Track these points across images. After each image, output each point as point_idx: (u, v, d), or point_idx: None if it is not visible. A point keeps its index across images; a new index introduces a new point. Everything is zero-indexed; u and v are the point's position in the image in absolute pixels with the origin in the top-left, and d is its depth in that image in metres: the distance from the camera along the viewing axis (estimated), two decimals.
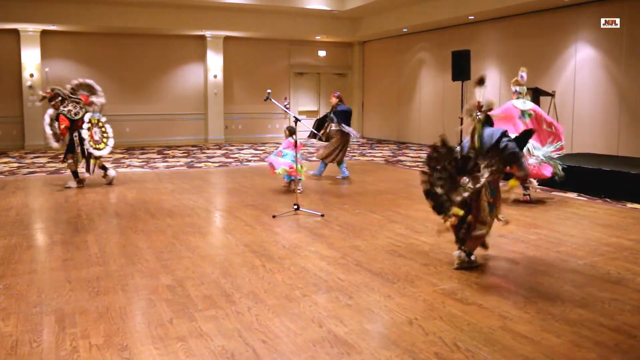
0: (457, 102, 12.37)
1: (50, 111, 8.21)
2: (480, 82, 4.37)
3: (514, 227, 5.34)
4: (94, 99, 8.57)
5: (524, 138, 4.78)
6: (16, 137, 14.17)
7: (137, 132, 15.51)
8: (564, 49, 10.96)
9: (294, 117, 6.92)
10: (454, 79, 11.28)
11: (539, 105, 9.76)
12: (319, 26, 15.84)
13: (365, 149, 14.46)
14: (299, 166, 7.62)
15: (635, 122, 9.76)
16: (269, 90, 6.90)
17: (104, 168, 8.57)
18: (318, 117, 9.46)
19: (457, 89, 12.19)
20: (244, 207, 6.89)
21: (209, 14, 14.49)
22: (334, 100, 9.19)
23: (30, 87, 8.42)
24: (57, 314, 3.45)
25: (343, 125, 8.83)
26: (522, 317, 3.39)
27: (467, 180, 4.07)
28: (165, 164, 11.32)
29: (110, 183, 8.52)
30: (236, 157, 12.46)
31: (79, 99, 8.35)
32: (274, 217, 6.22)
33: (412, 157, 12.55)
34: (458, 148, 4.29)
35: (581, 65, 10.65)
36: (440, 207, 4.19)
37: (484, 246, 4.53)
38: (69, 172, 8.48)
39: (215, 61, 15.88)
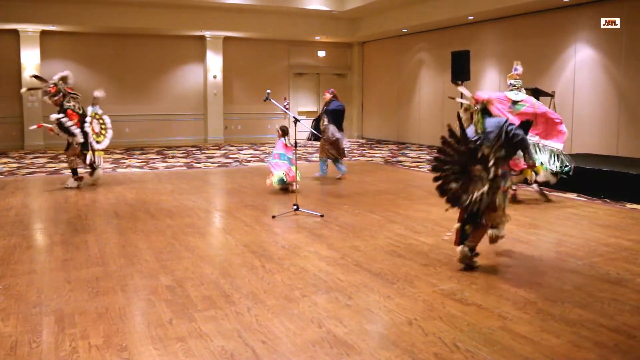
0: (457, 103, 12.35)
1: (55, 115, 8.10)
2: (457, 85, 4.75)
3: (513, 227, 5.34)
4: (97, 93, 8.63)
5: (523, 128, 4.80)
6: (16, 138, 14.17)
7: (137, 132, 15.50)
8: (564, 50, 10.96)
9: (294, 117, 6.92)
10: (454, 79, 11.28)
11: None
12: (319, 26, 15.85)
13: (364, 150, 14.46)
14: (293, 167, 7.68)
15: (635, 123, 9.76)
16: (268, 91, 6.91)
17: (92, 167, 8.43)
18: (315, 118, 9.42)
19: (457, 90, 12.18)
20: (244, 208, 6.89)
21: (209, 14, 14.49)
22: (327, 97, 9.16)
23: (37, 77, 8.39)
24: (56, 314, 3.45)
25: (329, 127, 8.69)
26: (522, 318, 3.39)
27: (481, 169, 4.13)
28: (165, 164, 11.32)
29: (94, 183, 8.44)
30: (236, 158, 12.46)
31: (77, 94, 8.36)
32: (273, 217, 6.22)
33: (411, 157, 12.55)
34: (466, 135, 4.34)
35: (581, 66, 10.65)
36: (455, 200, 4.23)
37: (495, 239, 4.55)
38: (67, 171, 8.49)
39: (214, 61, 15.88)
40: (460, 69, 11.02)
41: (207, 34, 15.49)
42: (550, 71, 11.21)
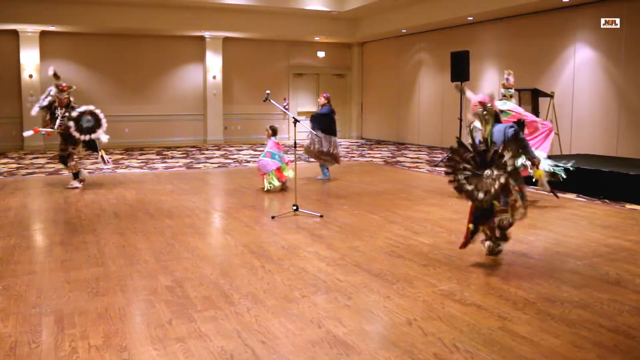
0: (456, 103, 12.37)
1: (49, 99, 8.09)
2: (462, 91, 4.93)
3: (513, 227, 5.33)
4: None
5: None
6: (15, 138, 14.16)
7: (136, 132, 15.50)
8: (563, 50, 10.97)
9: (293, 117, 6.92)
10: (453, 79, 11.29)
11: (537, 106, 9.79)
12: (318, 27, 15.85)
13: (364, 150, 14.46)
14: (284, 165, 7.84)
15: (634, 123, 9.77)
16: (268, 91, 6.91)
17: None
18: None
19: (456, 90, 12.19)
20: (243, 208, 6.88)
21: (208, 14, 14.50)
22: (322, 101, 9.16)
23: (55, 74, 8.38)
24: (56, 314, 3.44)
25: (311, 130, 8.57)
26: (521, 318, 3.40)
27: (490, 172, 4.28)
28: (165, 164, 11.32)
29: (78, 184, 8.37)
30: (235, 158, 12.45)
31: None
32: (273, 217, 6.22)
33: (411, 157, 12.55)
34: (474, 142, 4.49)
35: (580, 66, 10.65)
36: (472, 197, 4.40)
37: (505, 238, 4.65)
38: (67, 172, 8.50)
39: (214, 62, 15.88)
40: (460, 70, 11.03)
41: (207, 34, 15.49)
42: (550, 72, 11.22)
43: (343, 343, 3.06)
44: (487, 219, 4.52)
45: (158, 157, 12.70)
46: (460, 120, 11.05)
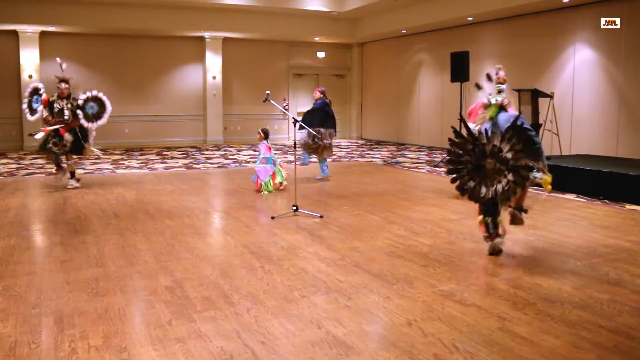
0: (456, 103, 12.38)
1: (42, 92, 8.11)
2: (478, 87, 5.05)
3: (512, 228, 5.33)
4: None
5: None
6: (15, 138, 14.16)
7: (136, 133, 15.51)
8: (563, 50, 10.97)
9: (293, 118, 6.93)
10: (453, 80, 11.29)
11: (537, 106, 9.79)
12: (318, 27, 15.85)
13: (364, 150, 14.46)
14: (277, 168, 7.91)
15: (634, 123, 9.77)
16: (267, 92, 6.91)
17: (60, 166, 8.28)
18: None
19: (456, 90, 12.20)
20: (243, 208, 6.88)
21: (208, 15, 14.50)
22: (317, 95, 9.16)
23: (60, 65, 8.39)
24: (55, 315, 3.44)
25: (309, 130, 8.52)
26: (521, 319, 3.39)
27: (492, 162, 4.32)
28: (164, 165, 11.32)
29: (64, 185, 8.30)
30: (235, 159, 12.45)
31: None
32: (272, 218, 6.22)
33: (411, 158, 12.55)
34: (476, 131, 4.55)
35: (580, 67, 10.66)
36: (476, 196, 4.47)
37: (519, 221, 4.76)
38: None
39: (214, 62, 15.88)
40: (460, 70, 11.03)
41: (207, 34, 15.49)
42: (550, 72, 11.22)
43: (343, 343, 3.06)
44: (496, 209, 4.59)
45: (158, 157, 12.70)
46: (460, 120, 11.04)
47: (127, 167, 11.01)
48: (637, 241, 5.27)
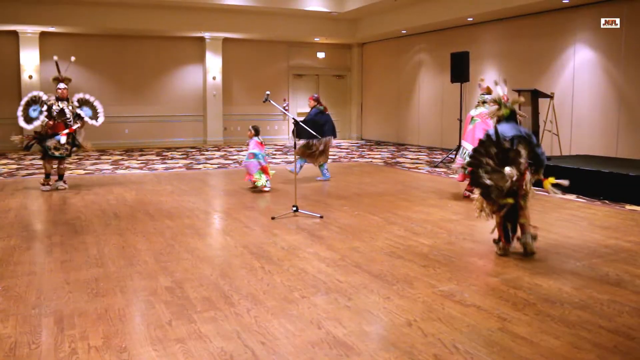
0: (456, 104, 12.39)
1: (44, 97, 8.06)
2: (496, 83, 5.20)
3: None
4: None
5: None
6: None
7: (136, 133, 15.51)
8: (563, 51, 10.98)
9: (293, 118, 6.93)
10: (453, 80, 11.30)
11: (537, 107, 9.81)
12: (318, 28, 15.86)
13: (364, 151, 14.46)
14: (267, 165, 7.95)
15: (634, 124, 9.77)
16: (268, 92, 6.91)
17: (49, 176, 8.23)
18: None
19: (456, 91, 12.21)
20: (243, 209, 6.88)
21: (208, 15, 14.51)
22: (310, 104, 9.07)
23: (57, 62, 8.39)
24: (55, 315, 3.44)
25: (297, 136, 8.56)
26: (521, 319, 3.39)
27: (510, 170, 4.46)
28: (164, 165, 11.32)
29: (55, 187, 8.23)
30: (235, 159, 12.45)
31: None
32: (273, 218, 6.22)
33: (411, 158, 12.55)
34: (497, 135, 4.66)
35: (580, 67, 10.66)
36: (488, 194, 4.60)
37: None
38: (66, 173, 8.51)
39: (214, 63, 15.89)
40: (460, 70, 11.04)
41: (207, 35, 15.50)
42: (550, 72, 11.22)
43: (343, 344, 3.06)
44: (513, 215, 4.69)
45: (158, 157, 12.70)
46: (460, 120, 11.05)
47: (127, 167, 11.01)
48: (637, 241, 5.27)
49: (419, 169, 10.70)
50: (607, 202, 7.26)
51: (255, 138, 8.08)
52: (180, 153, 13.69)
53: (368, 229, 5.76)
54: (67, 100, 8.13)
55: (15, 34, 13.98)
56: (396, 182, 9.10)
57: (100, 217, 6.39)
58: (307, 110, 9.45)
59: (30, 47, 14.07)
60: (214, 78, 15.90)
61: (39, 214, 6.69)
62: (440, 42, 14.38)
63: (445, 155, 11.99)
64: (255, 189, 7.97)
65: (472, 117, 7.41)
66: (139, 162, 11.90)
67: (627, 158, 9.26)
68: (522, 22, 11.93)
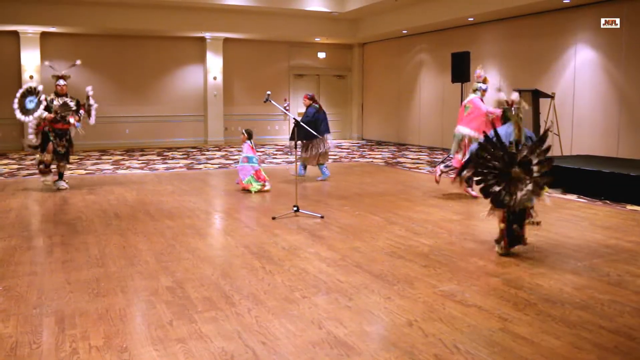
0: (457, 104, 12.37)
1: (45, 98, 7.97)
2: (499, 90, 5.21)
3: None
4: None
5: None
6: (16, 139, 14.17)
7: (137, 133, 15.52)
8: (564, 51, 10.97)
9: (294, 118, 6.93)
10: (454, 80, 11.29)
11: (538, 107, 9.81)
12: (319, 28, 15.86)
13: (364, 151, 14.46)
14: (261, 168, 7.98)
15: (635, 124, 9.76)
16: (268, 92, 6.91)
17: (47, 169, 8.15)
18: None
19: (457, 91, 12.20)
20: (244, 209, 6.89)
21: (209, 15, 14.51)
22: (305, 102, 9.03)
23: (51, 67, 8.36)
24: (56, 315, 3.45)
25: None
26: (522, 319, 3.39)
27: (519, 171, 4.46)
28: (165, 165, 11.32)
29: (57, 187, 8.20)
30: (236, 159, 12.45)
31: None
32: (273, 218, 6.22)
33: (411, 158, 12.55)
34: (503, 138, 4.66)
35: (581, 67, 10.66)
36: (499, 202, 4.57)
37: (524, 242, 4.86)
38: (68, 173, 8.49)
39: (215, 63, 15.89)
40: (461, 71, 11.03)
41: (207, 35, 15.50)
42: (551, 72, 11.22)
43: (344, 344, 3.06)
44: (520, 221, 4.71)
45: (159, 157, 12.71)
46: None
47: (128, 167, 11.02)
48: (638, 242, 5.27)
49: (420, 169, 10.69)
50: (608, 202, 7.25)
51: (248, 142, 8.09)
52: (181, 153, 13.69)
53: (369, 229, 5.76)
54: (66, 96, 8.11)
55: (16, 34, 13.99)
56: (397, 182, 9.10)
57: (101, 217, 6.40)
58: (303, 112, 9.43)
59: (31, 47, 14.07)
60: (214, 78, 15.90)
61: (40, 214, 6.70)
62: (440, 42, 14.38)
63: (445, 156, 11.97)
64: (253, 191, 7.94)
65: (465, 105, 7.57)
66: (140, 162, 11.91)
67: (628, 158, 9.25)
68: (522, 22, 11.93)
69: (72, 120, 7.90)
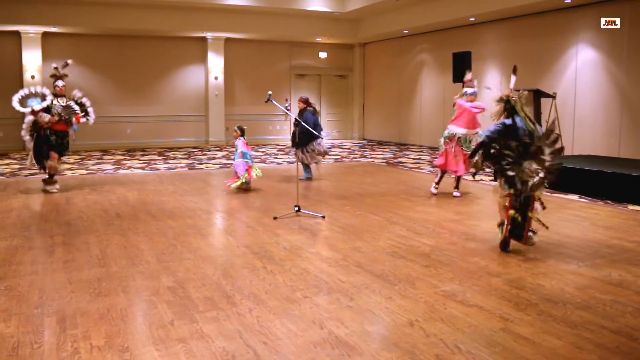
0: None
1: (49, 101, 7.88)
2: (514, 70, 5.27)
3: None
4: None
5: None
6: (17, 139, 14.12)
7: (138, 133, 15.53)
8: (565, 51, 10.96)
9: (295, 118, 6.93)
10: (455, 80, 11.28)
11: (539, 107, 9.80)
12: (320, 28, 15.86)
13: (365, 151, 14.46)
14: (253, 164, 8.02)
15: (637, 124, 9.75)
16: (269, 92, 6.91)
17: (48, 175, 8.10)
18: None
19: (458, 91, 12.17)
20: (245, 209, 6.89)
21: (210, 15, 14.51)
22: (300, 105, 8.94)
23: (56, 68, 8.34)
24: (58, 315, 3.45)
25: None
26: (523, 319, 3.39)
27: (529, 164, 4.60)
28: (166, 165, 11.33)
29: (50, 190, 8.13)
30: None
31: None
32: (275, 218, 6.22)
33: (413, 158, 12.55)
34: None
35: (582, 67, 10.64)
36: (512, 184, 4.69)
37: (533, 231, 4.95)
38: (69, 172, 8.47)
39: (216, 63, 15.90)
40: (462, 70, 11.00)
41: (209, 35, 15.51)
42: (552, 72, 11.21)
43: (345, 344, 3.06)
44: (527, 205, 4.76)
45: (160, 157, 12.71)
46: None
47: (129, 167, 11.02)
48: (639, 242, 5.26)
49: (421, 169, 10.69)
50: (609, 202, 7.25)
51: (242, 138, 8.12)
52: (182, 153, 13.70)
53: (370, 229, 5.75)
54: (65, 96, 8.09)
55: (17, 34, 13.99)
56: (398, 182, 9.10)
57: (102, 217, 6.40)
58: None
59: (33, 47, 14.08)
60: (216, 78, 15.91)
61: (41, 214, 6.70)
62: (442, 42, 14.37)
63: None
64: (239, 189, 7.95)
65: (454, 109, 7.78)
66: (141, 162, 11.91)
67: (629, 158, 9.24)
68: (524, 22, 11.91)
69: (80, 120, 7.92)
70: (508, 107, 4.96)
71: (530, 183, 4.58)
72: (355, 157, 12.93)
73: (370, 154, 13.58)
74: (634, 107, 9.79)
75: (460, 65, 11.05)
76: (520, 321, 3.36)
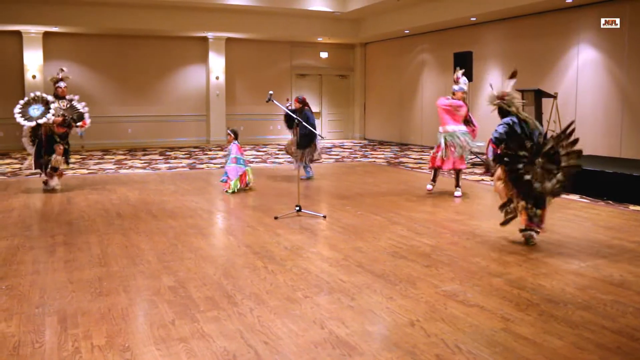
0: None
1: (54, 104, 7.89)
2: (513, 75, 5.26)
3: (514, 228, 5.34)
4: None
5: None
6: (19, 139, 14.14)
7: (139, 133, 15.54)
8: (567, 51, 10.95)
9: (296, 118, 6.93)
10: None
11: (541, 107, 9.79)
12: (321, 28, 15.86)
13: (367, 150, 14.46)
14: (248, 169, 8.00)
15: (638, 124, 9.74)
16: (270, 92, 6.91)
17: (54, 170, 8.04)
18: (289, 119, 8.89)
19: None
20: (246, 209, 6.89)
21: (211, 15, 14.52)
22: (297, 105, 8.89)
23: (61, 69, 8.34)
24: (59, 314, 3.45)
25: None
26: (524, 319, 3.39)
27: (542, 162, 4.70)
28: (168, 165, 11.33)
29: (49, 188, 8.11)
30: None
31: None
32: (276, 218, 6.22)
33: (414, 158, 12.54)
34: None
35: (583, 67, 10.64)
36: (529, 191, 4.79)
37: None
38: (70, 172, 8.48)
39: (217, 63, 15.90)
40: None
41: (210, 35, 15.51)
42: (553, 72, 11.20)
43: (346, 344, 3.06)
44: (541, 205, 4.87)
45: (161, 157, 12.72)
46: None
47: (130, 167, 11.03)
48: None
49: (422, 169, 10.69)
50: (610, 202, 7.24)
51: (236, 142, 8.09)
52: (183, 153, 13.70)
53: (371, 229, 5.76)
54: (65, 98, 8.10)
55: (18, 34, 14.00)
56: (399, 182, 9.10)
57: (103, 216, 6.41)
58: (311, 109, 9.40)
59: (34, 47, 14.09)
60: (217, 78, 15.91)
61: (42, 214, 6.71)
62: (443, 42, 14.36)
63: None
64: (239, 189, 7.94)
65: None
66: (142, 161, 11.92)
67: (631, 158, 9.24)
68: (525, 22, 11.91)
69: (83, 124, 7.95)
70: (504, 109, 5.06)
71: (549, 186, 4.66)
72: (356, 157, 12.93)
73: (371, 154, 13.58)
74: (635, 107, 9.78)
75: (462, 66, 11.03)
76: (521, 321, 3.36)
